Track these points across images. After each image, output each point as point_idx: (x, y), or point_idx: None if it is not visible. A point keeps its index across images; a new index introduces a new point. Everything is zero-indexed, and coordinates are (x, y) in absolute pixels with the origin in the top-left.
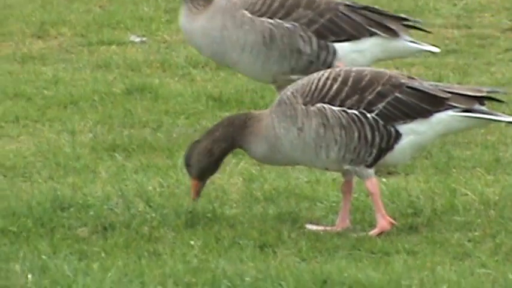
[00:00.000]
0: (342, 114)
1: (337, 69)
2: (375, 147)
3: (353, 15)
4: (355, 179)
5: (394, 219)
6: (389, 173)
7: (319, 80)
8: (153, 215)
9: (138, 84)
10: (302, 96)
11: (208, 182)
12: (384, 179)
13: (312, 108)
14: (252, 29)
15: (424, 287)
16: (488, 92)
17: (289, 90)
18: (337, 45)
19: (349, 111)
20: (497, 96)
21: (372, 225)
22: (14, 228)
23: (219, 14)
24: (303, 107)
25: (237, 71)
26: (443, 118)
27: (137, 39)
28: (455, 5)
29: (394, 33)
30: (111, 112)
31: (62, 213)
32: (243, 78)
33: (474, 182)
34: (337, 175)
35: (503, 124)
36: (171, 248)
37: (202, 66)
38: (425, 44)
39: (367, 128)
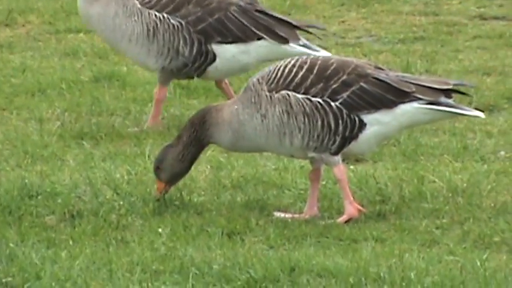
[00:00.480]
0: (305, 101)
1: (304, 57)
2: (338, 136)
3: (243, 18)
4: (323, 167)
5: (362, 206)
6: (357, 161)
7: (285, 67)
8: (121, 202)
9: (106, 72)
10: (267, 83)
11: None
12: (351, 167)
13: (276, 95)
14: (139, 20)
15: (392, 274)
16: (455, 84)
17: (256, 76)
18: (221, 47)
19: (313, 99)
20: (464, 89)
21: (340, 213)
22: None
23: (113, 1)
24: (268, 93)
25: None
26: (408, 110)
27: None
28: None
29: (282, 39)
30: (78, 100)
31: (29, 201)
32: None
33: (442, 169)
34: (305, 163)
35: None
36: (139, 236)
37: None
38: (318, 49)
39: (331, 116)
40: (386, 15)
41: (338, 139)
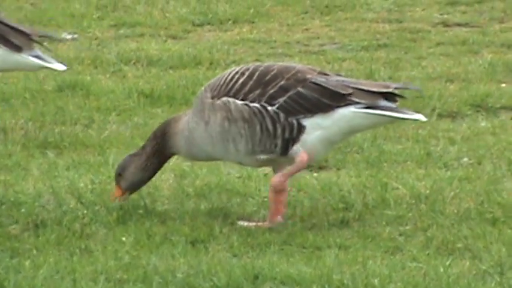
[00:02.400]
0: (244, 107)
1: (251, 64)
2: (278, 139)
3: None
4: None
5: (326, 214)
6: (321, 168)
7: (229, 74)
8: (85, 211)
9: (70, 81)
10: (211, 91)
11: None
12: (315, 174)
13: (218, 102)
14: None
15: (355, 282)
16: (397, 88)
17: (205, 85)
18: None
19: (251, 104)
20: (406, 93)
21: (304, 220)
22: None
23: None
24: (210, 100)
25: None
26: (346, 114)
27: (69, 36)
28: None
29: (16, 48)
30: (42, 109)
31: None
32: (175, 74)
33: (405, 176)
34: (268, 170)
35: (434, 118)
36: (103, 245)
37: (134, 63)
38: (52, 61)
39: (268, 120)
40: (350, 23)
41: (279, 142)
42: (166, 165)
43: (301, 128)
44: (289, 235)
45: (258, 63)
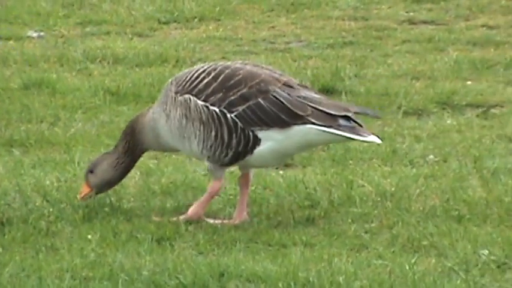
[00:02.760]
0: (203, 109)
1: (219, 64)
2: (231, 150)
3: None
4: (252, 172)
5: (292, 211)
6: (287, 165)
7: (196, 71)
8: (51, 209)
9: (36, 79)
10: (176, 85)
11: None
12: (281, 172)
13: (180, 98)
14: None
15: (321, 279)
16: (356, 112)
17: (173, 77)
18: None
19: (211, 107)
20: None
21: (270, 218)
22: None
23: None
24: (174, 95)
25: None
26: (301, 129)
27: (35, 34)
28: None
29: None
30: (8, 107)
31: None
32: (141, 72)
33: (371, 173)
34: (234, 168)
35: (400, 116)
36: (69, 243)
37: (100, 61)
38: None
39: (225, 128)
40: (316, 21)
41: (230, 153)
42: None
43: (256, 141)
44: (255, 233)
45: (227, 63)
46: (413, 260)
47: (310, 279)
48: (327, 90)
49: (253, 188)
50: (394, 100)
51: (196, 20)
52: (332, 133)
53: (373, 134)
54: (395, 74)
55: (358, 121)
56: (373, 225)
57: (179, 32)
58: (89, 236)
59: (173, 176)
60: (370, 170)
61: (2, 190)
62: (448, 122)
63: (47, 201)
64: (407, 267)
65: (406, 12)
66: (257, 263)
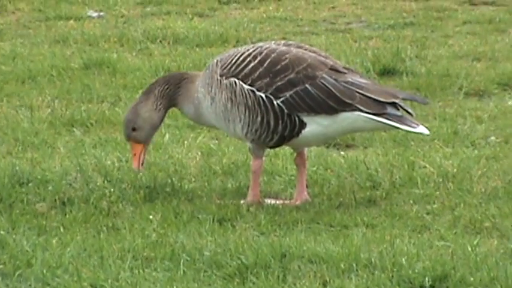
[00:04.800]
0: (249, 93)
1: (264, 47)
2: (276, 134)
3: None
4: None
5: (353, 192)
6: (348, 146)
7: (241, 54)
8: (112, 189)
9: (96, 59)
10: (221, 67)
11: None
12: (342, 152)
13: (225, 81)
14: None
15: (383, 260)
16: (404, 99)
17: (217, 57)
18: None
19: (257, 92)
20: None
21: (331, 199)
22: None
23: None
24: (219, 77)
25: None
26: (349, 116)
27: (95, 14)
28: None
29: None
30: (69, 87)
31: (20, 189)
32: (201, 52)
33: (432, 154)
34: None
35: (461, 97)
36: (130, 223)
37: (160, 41)
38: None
39: (271, 114)
40: (376, 1)
41: (276, 137)
42: (192, 143)
43: (302, 125)
44: (316, 214)
45: (272, 46)
46: (475, 242)
47: (372, 260)
48: (387, 71)
49: (314, 168)
50: (455, 81)
51: (256, 0)
52: (379, 121)
53: (422, 124)
54: (456, 55)
55: (407, 108)
56: (435, 206)
57: (239, 12)
58: (151, 216)
59: (234, 157)
60: (432, 151)
61: (63, 170)
62: (510, 103)
63: (108, 181)
64: (469, 249)
65: None
66: (319, 243)
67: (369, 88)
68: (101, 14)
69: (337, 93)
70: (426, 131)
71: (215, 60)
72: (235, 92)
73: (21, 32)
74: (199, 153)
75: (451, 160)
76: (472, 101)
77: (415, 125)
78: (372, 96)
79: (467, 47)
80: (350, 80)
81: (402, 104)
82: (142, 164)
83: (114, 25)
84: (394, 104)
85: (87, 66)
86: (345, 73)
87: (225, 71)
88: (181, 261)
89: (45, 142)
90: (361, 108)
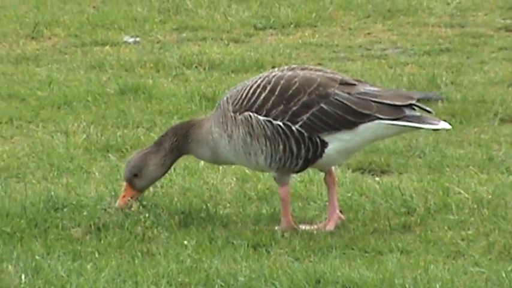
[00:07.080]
0: (266, 124)
1: (271, 76)
2: (301, 159)
3: None
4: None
5: (388, 218)
6: (383, 172)
7: (250, 87)
8: (147, 215)
9: (132, 84)
10: (233, 104)
11: (201, 182)
12: (377, 178)
13: (240, 116)
14: None
15: (417, 286)
16: (420, 98)
17: (226, 95)
18: None
19: (274, 122)
20: (428, 103)
21: (366, 224)
22: (8, 229)
23: None
24: (232, 114)
25: None
26: (369, 126)
27: (131, 40)
28: (448, 4)
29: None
30: (104, 112)
31: (55, 214)
32: (237, 78)
33: (467, 180)
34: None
35: (496, 123)
36: (165, 248)
37: (196, 66)
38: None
39: (293, 141)
40: (412, 27)
41: (300, 162)
42: (227, 168)
43: (324, 145)
44: (350, 239)
45: (278, 73)
46: (509, 268)
47: (407, 286)
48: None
49: (349, 194)
50: (490, 107)
51: (292, 26)
52: (401, 125)
53: (443, 120)
54: (492, 81)
55: (424, 107)
56: (469, 232)
57: (275, 38)
58: (185, 242)
59: (269, 182)
60: (467, 177)
61: (98, 195)
62: None
63: (143, 206)
64: (503, 275)
65: (503, 19)
66: (353, 269)
67: (382, 95)
68: (137, 39)
69: (354, 106)
70: (448, 126)
71: (225, 98)
72: (252, 125)
73: (57, 57)
74: (234, 179)
75: (486, 186)
76: (507, 127)
77: (436, 122)
78: (388, 102)
79: (502, 73)
80: (363, 90)
81: (419, 104)
82: (129, 208)
83: (150, 51)
84: (410, 106)
85: (123, 92)
86: (356, 85)
87: (237, 106)
88: (216, 286)
89: (80, 167)
90: (380, 116)
